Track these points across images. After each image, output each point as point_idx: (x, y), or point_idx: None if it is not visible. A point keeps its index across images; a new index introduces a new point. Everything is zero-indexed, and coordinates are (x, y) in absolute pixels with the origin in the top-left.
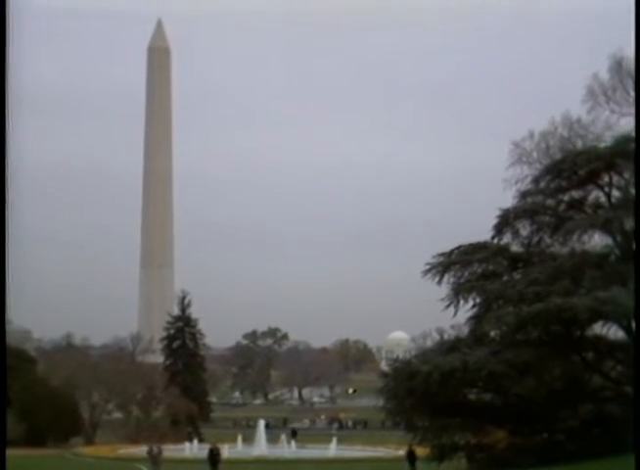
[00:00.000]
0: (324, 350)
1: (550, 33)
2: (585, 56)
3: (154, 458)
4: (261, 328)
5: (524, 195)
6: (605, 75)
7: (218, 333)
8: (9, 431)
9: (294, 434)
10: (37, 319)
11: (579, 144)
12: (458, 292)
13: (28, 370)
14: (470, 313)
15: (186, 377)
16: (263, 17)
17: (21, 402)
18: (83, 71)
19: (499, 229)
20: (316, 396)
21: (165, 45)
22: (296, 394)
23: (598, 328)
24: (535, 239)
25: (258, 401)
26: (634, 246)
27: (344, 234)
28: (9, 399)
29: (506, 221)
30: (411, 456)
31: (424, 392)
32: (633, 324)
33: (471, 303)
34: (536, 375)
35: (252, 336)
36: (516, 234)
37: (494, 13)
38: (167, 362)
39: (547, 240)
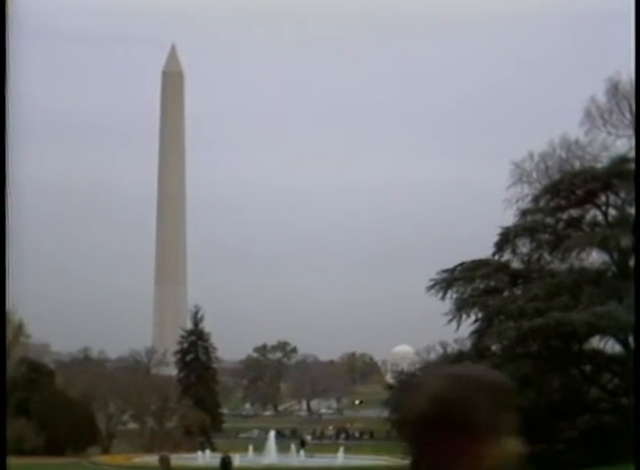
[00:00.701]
0: (331, 363)
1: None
2: (584, 76)
3: (164, 464)
4: (271, 342)
5: (524, 213)
6: (602, 98)
7: (230, 346)
8: (29, 441)
9: (302, 444)
10: (56, 333)
11: (577, 165)
12: (461, 307)
13: (47, 382)
14: (472, 328)
15: (199, 389)
16: (275, 41)
17: (40, 413)
18: (99, 97)
19: (500, 246)
20: (324, 407)
21: (179, 69)
22: (304, 405)
23: (595, 342)
24: (535, 256)
25: (268, 413)
26: (631, 263)
27: (352, 252)
28: (28, 411)
29: (507, 239)
30: None
31: None
32: (630, 338)
33: (473, 317)
34: (536, 387)
35: (263, 349)
36: (516, 251)
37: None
38: (181, 375)
39: (546, 257)
